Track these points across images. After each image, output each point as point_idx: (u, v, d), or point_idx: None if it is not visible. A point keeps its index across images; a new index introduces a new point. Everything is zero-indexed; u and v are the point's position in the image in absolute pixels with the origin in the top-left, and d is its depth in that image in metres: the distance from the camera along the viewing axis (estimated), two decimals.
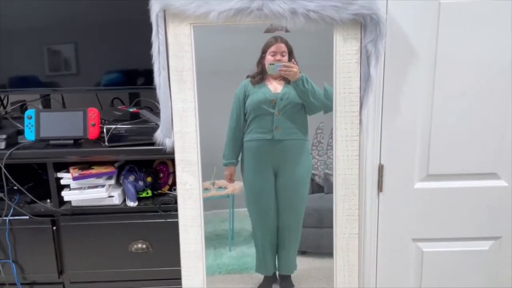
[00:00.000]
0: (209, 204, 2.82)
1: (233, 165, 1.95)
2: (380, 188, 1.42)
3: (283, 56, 1.91)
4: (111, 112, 1.65)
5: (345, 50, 1.28)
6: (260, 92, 1.91)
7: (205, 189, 2.95)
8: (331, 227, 2.86)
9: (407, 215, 1.45)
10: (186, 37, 1.28)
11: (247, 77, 1.99)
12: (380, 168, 1.40)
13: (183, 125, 1.33)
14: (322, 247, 2.90)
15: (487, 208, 1.44)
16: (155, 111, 1.37)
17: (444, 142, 1.38)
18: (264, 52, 1.97)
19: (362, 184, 1.39)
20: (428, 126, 1.38)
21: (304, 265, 2.31)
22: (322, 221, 2.98)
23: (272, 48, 1.91)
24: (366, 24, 1.24)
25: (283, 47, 1.91)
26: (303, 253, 2.45)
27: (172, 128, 1.34)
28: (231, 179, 1.97)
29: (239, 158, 2.04)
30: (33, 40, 1.62)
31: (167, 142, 1.35)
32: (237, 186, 2.28)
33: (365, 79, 1.29)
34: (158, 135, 1.35)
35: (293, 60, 1.91)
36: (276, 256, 2.30)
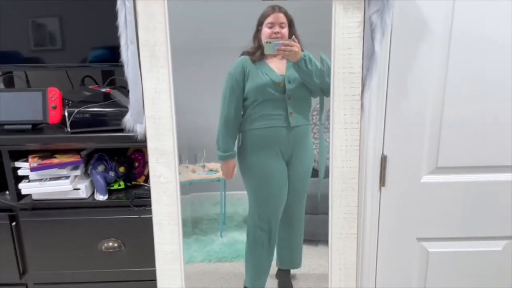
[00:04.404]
0: (200, 186, 2.61)
1: (233, 158, 1.76)
2: (382, 182, 1.25)
3: (282, 28, 1.69)
4: (81, 93, 1.47)
5: (346, 23, 1.09)
6: (263, 74, 1.71)
7: (193, 172, 2.76)
8: (327, 213, 2.70)
9: (412, 212, 1.29)
10: (159, 4, 1.09)
11: (242, 54, 1.77)
12: (383, 160, 1.23)
13: (156, 109, 1.14)
14: (317, 235, 2.76)
15: (501, 204, 1.28)
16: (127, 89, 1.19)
17: (456, 131, 1.21)
18: (260, 24, 1.75)
19: (362, 178, 1.22)
20: (439, 112, 1.20)
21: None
22: (318, 208, 2.83)
23: (269, 19, 1.70)
24: None
25: (281, 17, 1.69)
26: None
27: (144, 112, 1.15)
28: (232, 174, 1.78)
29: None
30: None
31: (138, 129, 1.17)
32: None
33: (369, 57, 1.11)
34: (128, 120, 1.17)
35: (293, 37, 1.70)
36: (276, 250, 2.13)
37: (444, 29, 1.14)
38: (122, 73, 1.53)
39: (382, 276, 1.34)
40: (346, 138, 1.16)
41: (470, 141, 1.22)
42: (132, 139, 1.20)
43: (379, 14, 1.06)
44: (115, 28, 1.11)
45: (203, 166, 2.97)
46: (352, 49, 1.10)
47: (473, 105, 1.19)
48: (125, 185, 1.38)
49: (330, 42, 1.14)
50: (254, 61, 1.72)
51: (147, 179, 1.41)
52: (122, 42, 1.09)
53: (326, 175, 2.90)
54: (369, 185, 1.25)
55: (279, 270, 2.17)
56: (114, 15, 1.10)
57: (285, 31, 1.70)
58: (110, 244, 1.32)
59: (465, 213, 1.29)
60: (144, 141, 1.19)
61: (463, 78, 1.17)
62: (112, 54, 1.45)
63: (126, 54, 1.10)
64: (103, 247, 1.32)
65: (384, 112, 1.20)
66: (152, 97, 1.14)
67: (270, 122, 1.74)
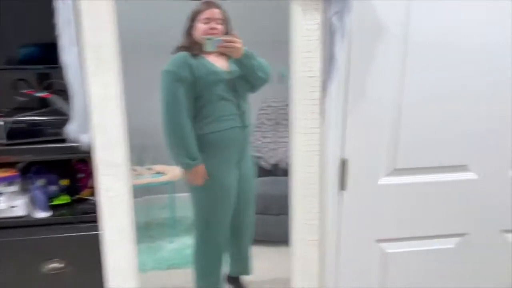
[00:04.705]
0: (146, 189, 2.50)
1: (202, 163, 1.66)
2: (342, 185, 1.24)
3: (218, 24, 1.61)
4: (13, 98, 1.32)
5: (305, 24, 1.06)
6: (210, 70, 1.62)
7: (138, 174, 2.62)
8: (280, 214, 2.68)
9: (371, 214, 1.29)
10: (105, 3, 0.99)
11: (177, 50, 1.66)
12: (343, 163, 1.22)
13: (103, 116, 1.05)
14: (269, 235, 2.73)
15: (454, 203, 1.31)
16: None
17: (413, 133, 1.22)
18: (193, 19, 1.67)
19: (323, 182, 1.20)
20: (397, 114, 1.20)
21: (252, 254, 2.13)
22: (269, 208, 2.80)
23: (205, 14, 1.62)
24: None
25: (218, 13, 1.62)
26: None
27: (89, 121, 1.05)
28: (203, 179, 1.68)
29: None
30: None
31: (83, 138, 1.06)
32: (178, 171, 2.01)
33: (328, 60, 1.08)
34: (71, 130, 1.06)
35: (234, 33, 1.64)
36: (229, 258, 2.07)
37: (401, 31, 1.13)
38: (60, 75, 1.40)
39: (344, 280, 1.33)
40: (307, 143, 1.13)
41: (426, 142, 1.23)
42: (77, 149, 1.09)
43: (339, 16, 1.04)
44: (50, 23, 0.99)
45: (150, 169, 2.83)
46: (311, 52, 1.07)
47: (429, 107, 1.20)
48: (69, 199, 1.26)
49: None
50: (195, 57, 1.63)
51: (93, 192, 1.30)
52: (63, 43, 0.98)
53: (280, 173, 2.85)
54: (330, 189, 1.23)
55: (229, 276, 2.12)
56: (47, 7, 0.98)
57: (222, 27, 1.63)
58: (54, 265, 1.20)
59: (421, 213, 1.30)
60: (90, 151, 1.09)
61: (420, 80, 1.18)
62: (48, 52, 1.31)
63: (68, 56, 0.99)
64: (46, 269, 1.20)
65: (344, 115, 1.18)
66: (98, 104, 1.04)
67: (227, 124, 1.66)
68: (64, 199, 1.24)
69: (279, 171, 3.04)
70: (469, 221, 1.33)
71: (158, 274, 2.55)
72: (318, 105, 1.11)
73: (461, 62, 1.17)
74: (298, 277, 1.24)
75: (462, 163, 1.27)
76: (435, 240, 1.34)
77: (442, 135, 1.23)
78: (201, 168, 1.66)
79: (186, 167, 1.65)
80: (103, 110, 1.05)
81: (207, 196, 1.76)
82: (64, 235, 1.19)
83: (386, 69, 1.15)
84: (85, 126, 1.05)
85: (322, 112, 1.12)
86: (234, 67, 1.69)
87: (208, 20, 1.60)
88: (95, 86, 1.03)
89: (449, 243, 1.35)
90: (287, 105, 2.48)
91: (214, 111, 1.60)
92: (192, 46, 1.66)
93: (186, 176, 1.69)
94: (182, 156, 1.61)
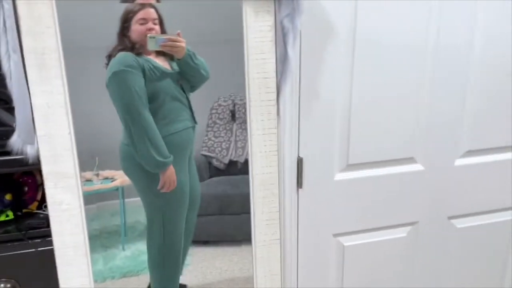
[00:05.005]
0: (95, 197, 2.37)
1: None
2: (299, 184, 1.26)
3: (155, 24, 1.57)
4: None
5: (258, 26, 1.06)
6: (155, 66, 1.57)
7: (87, 181, 2.50)
8: (235, 213, 2.68)
9: (327, 209, 1.32)
10: (46, 6, 0.93)
11: (116, 51, 1.60)
12: (299, 162, 1.23)
13: (50, 126, 0.99)
14: (225, 235, 2.72)
15: (404, 194, 1.38)
16: (12, 105, 1.00)
17: (363, 129, 1.26)
18: (127, 20, 1.61)
19: (280, 182, 1.21)
20: (347, 112, 1.24)
21: (207, 255, 2.11)
22: (224, 208, 2.78)
23: (140, 15, 1.57)
24: None
25: (153, 13, 1.57)
26: (205, 243, 2.23)
27: (35, 131, 0.99)
28: (175, 181, 1.61)
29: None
30: None
31: (29, 150, 1.00)
32: (126, 176, 1.93)
33: (282, 61, 1.09)
34: (15, 142, 0.99)
35: (178, 32, 1.61)
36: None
37: (349, 31, 1.17)
38: (0, 82, 1.31)
39: (303, 275, 1.35)
40: (265, 144, 1.13)
41: (375, 137, 1.28)
42: (22, 162, 1.02)
43: (290, 19, 1.05)
44: None
45: (97, 175, 2.71)
46: (265, 54, 1.08)
47: (376, 104, 1.25)
48: (14, 215, 1.18)
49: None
50: (138, 56, 1.58)
51: (41, 205, 1.23)
52: (2, 50, 0.92)
53: (234, 172, 2.82)
54: (287, 188, 1.24)
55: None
56: None
57: (158, 28, 1.59)
58: (2, 285, 1.13)
59: (374, 205, 1.35)
60: (37, 163, 1.02)
61: (367, 78, 1.21)
62: None
63: (8, 64, 0.93)
64: None
65: (298, 114, 1.19)
66: (44, 114, 0.98)
67: (183, 124, 1.62)
68: (8, 215, 1.16)
69: (232, 170, 3.03)
70: (418, 210, 1.40)
71: (113, 283, 2.45)
72: (274, 106, 1.11)
73: (405, 60, 1.23)
74: (261, 277, 1.25)
75: (409, 155, 1.34)
76: (388, 230, 1.40)
77: (389, 130, 1.28)
78: (172, 169, 1.61)
79: (161, 167, 1.58)
80: (49, 120, 0.99)
81: (169, 202, 1.71)
82: (12, 253, 1.12)
83: (335, 68, 1.18)
84: (31, 137, 0.99)
85: (278, 112, 1.13)
86: (175, 67, 1.66)
87: (145, 20, 1.55)
88: (38, 96, 0.97)
89: (401, 232, 1.41)
90: (236, 103, 2.47)
91: (170, 112, 1.56)
92: (132, 47, 1.60)
93: (161, 180, 1.62)
94: (154, 155, 1.55)
